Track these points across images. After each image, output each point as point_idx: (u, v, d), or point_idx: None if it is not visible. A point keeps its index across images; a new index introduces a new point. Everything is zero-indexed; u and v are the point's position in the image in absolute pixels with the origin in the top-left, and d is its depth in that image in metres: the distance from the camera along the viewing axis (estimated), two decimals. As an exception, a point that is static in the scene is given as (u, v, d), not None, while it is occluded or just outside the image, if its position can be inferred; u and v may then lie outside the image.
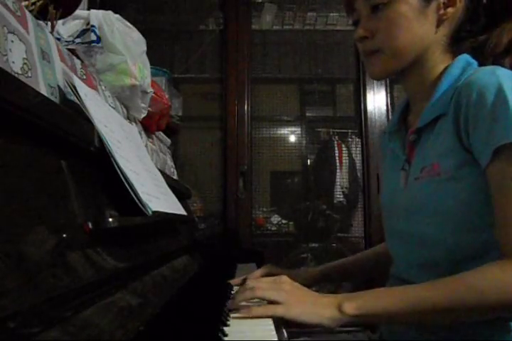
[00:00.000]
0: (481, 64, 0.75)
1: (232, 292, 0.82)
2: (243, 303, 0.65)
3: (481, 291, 0.59)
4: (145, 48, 1.06)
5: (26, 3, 0.69)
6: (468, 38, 0.78)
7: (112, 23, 0.94)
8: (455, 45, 0.78)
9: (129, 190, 0.58)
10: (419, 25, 0.74)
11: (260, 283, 0.66)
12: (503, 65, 0.73)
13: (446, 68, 0.77)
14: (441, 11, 0.74)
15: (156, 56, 1.73)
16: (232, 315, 0.61)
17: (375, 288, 0.67)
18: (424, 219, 0.73)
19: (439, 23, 0.75)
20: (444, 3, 0.74)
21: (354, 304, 0.61)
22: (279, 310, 0.60)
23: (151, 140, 1.24)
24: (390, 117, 2.18)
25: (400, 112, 0.88)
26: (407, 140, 0.82)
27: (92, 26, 0.93)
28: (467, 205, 0.68)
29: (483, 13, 0.78)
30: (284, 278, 0.68)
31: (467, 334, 0.67)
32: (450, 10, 0.74)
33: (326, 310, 0.61)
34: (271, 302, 0.63)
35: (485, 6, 0.78)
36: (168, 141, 1.52)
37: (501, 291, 0.58)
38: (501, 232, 0.63)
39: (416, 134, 0.78)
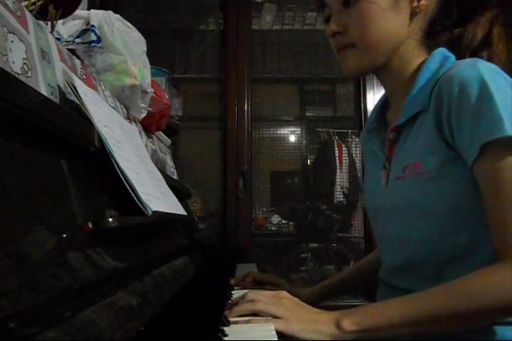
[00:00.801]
0: (458, 58, 0.73)
1: (233, 292, 0.82)
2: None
3: (480, 296, 0.57)
4: (145, 48, 1.06)
5: (26, 3, 0.69)
6: (443, 31, 0.77)
7: (112, 23, 0.94)
8: (430, 38, 0.77)
9: (129, 190, 0.58)
10: (392, 18, 0.73)
11: (261, 297, 0.64)
12: (481, 58, 0.71)
13: (422, 62, 0.75)
14: (415, 4, 0.73)
15: (156, 56, 1.72)
16: (231, 320, 0.61)
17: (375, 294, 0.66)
18: (409, 219, 0.71)
19: (413, 15, 0.74)
20: None
21: (352, 319, 0.59)
22: (279, 325, 0.59)
23: (151, 140, 1.24)
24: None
25: (379, 109, 0.86)
26: (386, 138, 0.79)
27: (92, 26, 0.93)
28: (452, 205, 0.66)
29: (457, 6, 0.77)
30: (284, 293, 0.66)
31: (453, 338, 0.65)
32: (423, 2, 0.73)
33: (324, 327, 0.60)
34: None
35: (457, 1, 0.77)
36: (168, 141, 1.52)
37: (499, 295, 0.56)
38: (494, 233, 0.61)
39: (396, 132, 0.76)
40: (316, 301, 0.95)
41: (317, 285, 1.01)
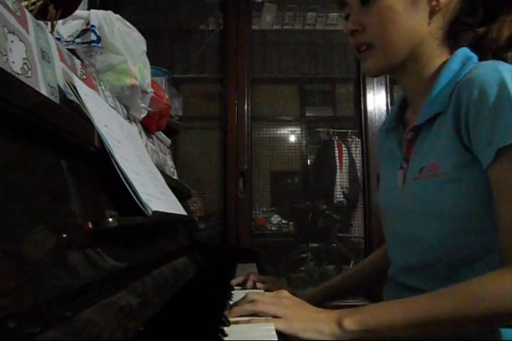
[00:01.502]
0: (481, 58, 0.72)
1: (233, 292, 0.82)
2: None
3: (482, 300, 0.56)
4: (145, 48, 1.06)
5: (26, 3, 0.69)
6: (466, 30, 0.75)
7: (112, 23, 0.94)
8: (452, 38, 0.75)
9: (129, 190, 0.58)
10: (410, 17, 0.71)
11: (261, 297, 0.64)
12: (504, 59, 0.70)
13: (444, 63, 0.74)
14: (434, 2, 0.72)
15: (156, 56, 1.72)
16: (231, 320, 0.61)
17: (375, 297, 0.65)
18: (423, 220, 0.71)
19: (432, 14, 0.72)
20: None
21: (354, 319, 0.59)
22: (279, 325, 0.58)
23: (151, 140, 1.24)
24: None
25: (397, 109, 0.85)
26: (404, 138, 0.79)
27: (92, 26, 0.93)
28: (467, 207, 0.66)
29: (481, 5, 0.74)
30: (285, 292, 0.66)
31: (456, 339, 0.65)
32: (443, 0, 0.72)
33: (326, 326, 0.59)
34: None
35: (481, 0, 0.74)
36: (168, 141, 1.52)
37: (502, 300, 0.55)
38: (501, 238, 0.61)
39: (414, 132, 0.76)
40: (318, 303, 0.95)
41: (318, 287, 1.00)
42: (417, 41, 0.73)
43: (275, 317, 0.60)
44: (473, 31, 0.75)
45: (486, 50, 0.73)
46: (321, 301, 0.95)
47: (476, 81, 0.64)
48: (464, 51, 0.73)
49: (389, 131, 0.85)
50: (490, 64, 0.66)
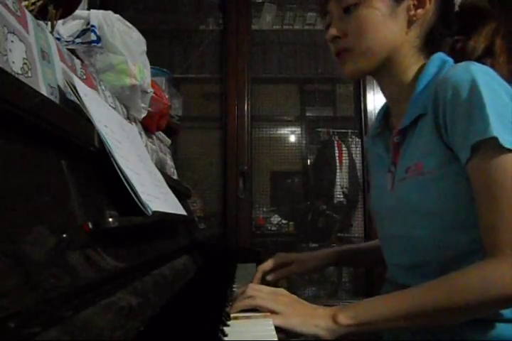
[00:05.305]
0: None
1: (233, 292, 0.82)
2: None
3: (467, 291, 0.59)
4: (145, 48, 1.06)
5: (26, 3, 0.69)
6: (443, 39, 0.79)
7: (112, 23, 0.94)
8: (429, 46, 0.78)
9: (129, 190, 0.58)
10: (389, 25, 0.75)
11: (260, 293, 0.66)
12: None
13: (421, 68, 0.77)
14: (412, 12, 0.75)
15: (156, 56, 1.72)
16: (231, 316, 0.61)
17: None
18: (412, 219, 0.73)
19: (410, 23, 0.76)
20: (414, 4, 0.75)
21: (348, 314, 0.62)
22: (277, 320, 0.61)
23: (151, 140, 1.24)
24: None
25: (382, 116, 0.88)
26: (391, 142, 0.82)
27: (92, 26, 0.93)
28: (452, 204, 0.68)
29: (456, 19, 0.79)
30: (283, 290, 0.69)
31: (452, 334, 0.68)
32: (420, 11, 0.75)
33: (321, 321, 0.63)
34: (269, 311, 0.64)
35: (456, 14, 0.79)
36: (168, 141, 1.52)
37: (487, 288, 0.59)
38: (483, 230, 0.63)
39: (400, 135, 0.78)
40: (325, 265, 1.00)
41: (329, 250, 1.03)
42: (394, 48, 0.76)
43: (273, 312, 0.63)
44: (452, 39, 0.79)
45: (464, 59, 0.76)
46: (326, 263, 1.00)
47: (450, 81, 0.67)
48: (439, 56, 0.76)
49: (376, 137, 0.88)
50: (462, 65, 0.69)
